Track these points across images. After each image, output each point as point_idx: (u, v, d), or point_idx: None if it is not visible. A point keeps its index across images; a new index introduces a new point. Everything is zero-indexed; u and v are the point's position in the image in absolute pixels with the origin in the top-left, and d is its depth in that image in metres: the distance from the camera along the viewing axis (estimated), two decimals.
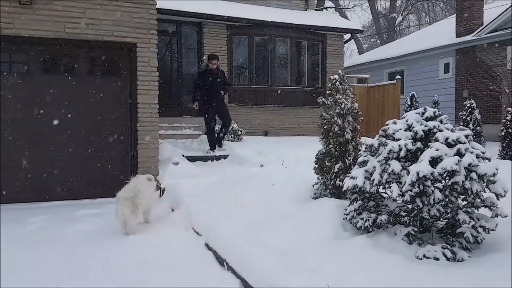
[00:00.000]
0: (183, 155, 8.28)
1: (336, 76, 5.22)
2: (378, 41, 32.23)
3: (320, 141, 5.24)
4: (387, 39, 29.69)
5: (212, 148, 8.96)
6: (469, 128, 10.34)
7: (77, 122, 7.03)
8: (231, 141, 9.89)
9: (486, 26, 14.36)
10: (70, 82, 7.04)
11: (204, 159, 8.61)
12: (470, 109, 10.78)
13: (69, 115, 6.98)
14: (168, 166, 7.43)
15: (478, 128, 10.59)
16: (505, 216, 3.69)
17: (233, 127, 9.97)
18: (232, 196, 5.54)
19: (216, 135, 9.11)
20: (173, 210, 5.86)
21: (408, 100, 13.42)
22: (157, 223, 5.34)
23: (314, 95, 11.74)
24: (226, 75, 9.86)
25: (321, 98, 5.27)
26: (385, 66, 18.51)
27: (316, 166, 5.21)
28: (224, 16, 11.12)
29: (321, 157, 5.18)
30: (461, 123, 10.65)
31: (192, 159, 8.32)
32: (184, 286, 3.53)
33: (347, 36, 13.15)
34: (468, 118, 10.70)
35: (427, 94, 15.27)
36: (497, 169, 3.66)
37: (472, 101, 10.96)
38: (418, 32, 23.62)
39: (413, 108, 12.26)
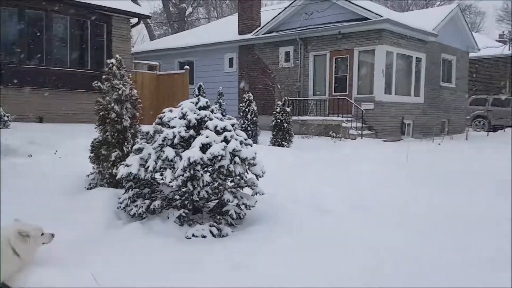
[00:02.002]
0: None
1: (113, 60, 5.02)
2: (170, 29, 32.62)
3: (96, 128, 4.96)
4: (178, 28, 30.32)
5: None
6: (248, 118, 11.42)
7: None
8: None
9: (262, 27, 16.09)
10: None
11: None
12: (248, 101, 11.87)
13: None
14: None
15: (255, 118, 11.76)
16: (262, 194, 4.22)
17: None
18: None
19: None
20: None
21: (196, 90, 14.00)
22: None
23: (98, 79, 11.05)
24: None
25: (97, 83, 5.00)
26: (176, 56, 18.87)
27: (92, 155, 4.92)
28: None
29: (97, 145, 4.92)
30: (241, 114, 11.66)
31: None
32: None
33: (134, 21, 12.80)
34: (247, 110, 11.77)
35: (215, 85, 16.22)
36: (255, 153, 4.15)
37: (250, 94, 12.11)
38: (208, 25, 24.89)
39: None
